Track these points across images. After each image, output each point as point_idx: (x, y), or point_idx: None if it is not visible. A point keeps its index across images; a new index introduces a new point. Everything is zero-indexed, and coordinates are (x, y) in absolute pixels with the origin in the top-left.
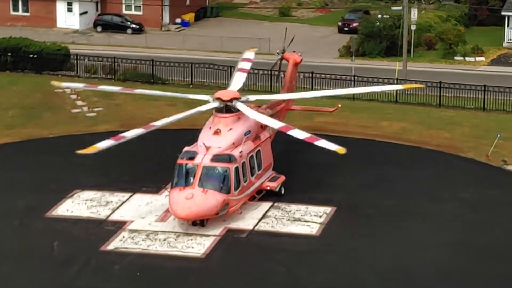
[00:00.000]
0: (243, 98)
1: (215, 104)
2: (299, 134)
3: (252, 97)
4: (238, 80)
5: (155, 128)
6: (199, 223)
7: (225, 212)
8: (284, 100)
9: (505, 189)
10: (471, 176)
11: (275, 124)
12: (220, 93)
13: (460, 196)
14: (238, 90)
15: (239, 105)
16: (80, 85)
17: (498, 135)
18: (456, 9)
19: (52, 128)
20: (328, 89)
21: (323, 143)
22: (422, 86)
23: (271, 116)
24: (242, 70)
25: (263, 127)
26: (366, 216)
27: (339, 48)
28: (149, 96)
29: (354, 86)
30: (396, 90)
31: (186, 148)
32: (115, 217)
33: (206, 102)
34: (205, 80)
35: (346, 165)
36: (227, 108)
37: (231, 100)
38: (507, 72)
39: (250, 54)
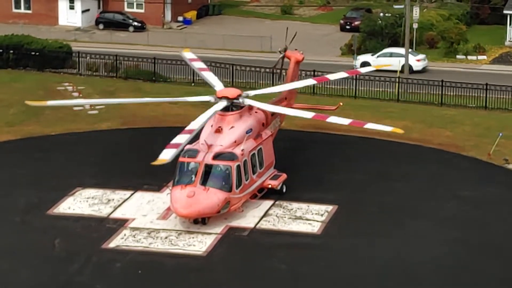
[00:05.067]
0: (244, 94)
1: (223, 103)
2: (337, 120)
3: (252, 93)
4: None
5: (195, 132)
6: (200, 221)
7: (227, 210)
8: (284, 97)
9: (507, 187)
10: (472, 174)
11: (289, 111)
12: (224, 92)
13: (462, 195)
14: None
15: (247, 101)
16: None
17: (500, 134)
18: (458, 8)
19: (53, 125)
20: (329, 87)
21: (372, 125)
22: (390, 65)
23: (273, 114)
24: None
25: (265, 125)
26: (368, 214)
27: (341, 46)
28: (150, 94)
29: (356, 85)
30: (398, 89)
31: (187, 146)
32: (117, 215)
33: (211, 103)
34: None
35: (347, 163)
36: (235, 105)
37: (237, 98)
38: (509, 70)
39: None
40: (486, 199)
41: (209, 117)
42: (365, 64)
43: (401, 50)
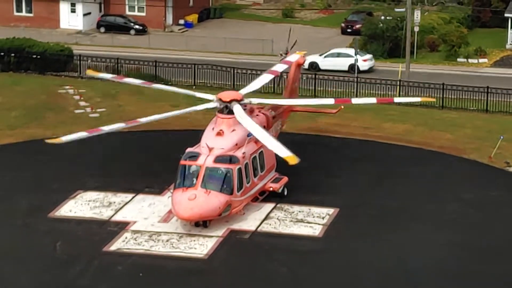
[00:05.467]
0: (246, 101)
1: (215, 104)
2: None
3: (255, 100)
4: (259, 81)
5: (138, 124)
6: (201, 224)
7: (228, 213)
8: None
9: (508, 190)
10: (473, 177)
11: (255, 130)
12: (222, 94)
13: (463, 197)
14: (251, 92)
15: (236, 108)
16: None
17: (501, 137)
18: (459, 11)
19: (55, 128)
20: (331, 90)
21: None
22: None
23: (274, 117)
24: (271, 72)
25: (266, 128)
26: (369, 217)
27: None
28: (152, 97)
29: (357, 88)
30: (399, 92)
31: (189, 149)
32: (118, 218)
33: (209, 101)
34: (207, 81)
35: (348, 166)
36: (229, 109)
37: (230, 102)
38: (510, 74)
39: (294, 57)
40: (488, 202)
41: (178, 114)
42: (313, 64)
43: (349, 51)
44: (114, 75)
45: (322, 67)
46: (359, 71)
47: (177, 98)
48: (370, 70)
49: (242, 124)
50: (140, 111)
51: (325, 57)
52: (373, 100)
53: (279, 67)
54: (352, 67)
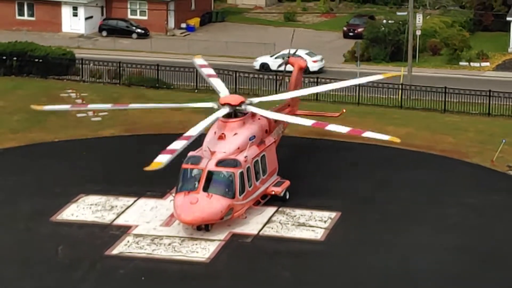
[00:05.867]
0: (247, 101)
1: (225, 110)
2: (336, 128)
3: (255, 100)
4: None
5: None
6: (203, 227)
7: (230, 217)
8: (287, 104)
9: (510, 194)
10: (476, 181)
11: (291, 119)
12: (227, 99)
13: (465, 201)
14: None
15: (250, 108)
16: (66, 107)
17: (503, 141)
18: (461, 15)
19: (57, 132)
20: (332, 93)
21: (370, 134)
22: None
23: (276, 121)
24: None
25: (268, 132)
26: (371, 221)
27: (344, 53)
28: (154, 101)
29: (359, 91)
30: (401, 96)
31: (191, 153)
32: (120, 221)
33: (214, 109)
34: (210, 85)
35: (351, 170)
36: (242, 112)
37: (240, 104)
38: None
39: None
40: (490, 206)
41: (209, 123)
42: (263, 65)
43: (299, 52)
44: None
45: (272, 67)
46: (309, 72)
47: (180, 103)
48: (320, 71)
49: (274, 117)
50: (142, 114)
51: (275, 58)
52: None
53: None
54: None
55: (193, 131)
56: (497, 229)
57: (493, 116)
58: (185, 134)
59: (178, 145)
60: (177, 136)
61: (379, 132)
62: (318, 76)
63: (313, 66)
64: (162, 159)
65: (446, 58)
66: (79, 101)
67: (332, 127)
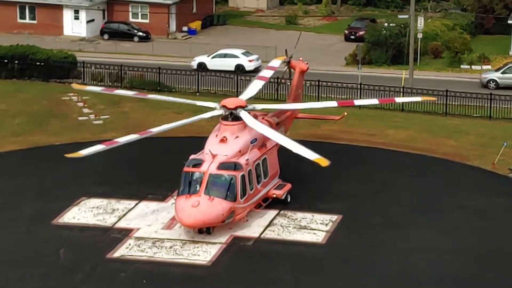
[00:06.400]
0: (249, 107)
1: (221, 111)
2: (287, 143)
3: (259, 106)
4: (253, 88)
5: (150, 135)
6: (205, 230)
7: (231, 220)
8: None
9: (511, 197)
10: (477, 184)
11: (275, 136)
12: (226, 101)
13: (466, 204)
14: (249, 99)
15: (242, 114)
16: (98, 89)
17: (504, 144)
18: (463, 18)
19: (58, 135)
20: (334, 97)
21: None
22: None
23: (277, 124)
24: (261, 78)
25: None
26: (372, 224)
27: (345, 56)
28: (156, 104)
29: (360, 95)
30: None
31: (192, 156)
32: (122, 224)
33: (213, 109)
34: (211, 88)
35: (352, 173)
36: (233, 116)
37: (235, 108)
38: None
39: (276, 62)
40: (491, 209)
41: (183, 123)
42: (201, 65)
43: (236, 51)
44: (103, 88)
45: (210, 67)
46: (245, 72)
47: (181, 105)
48: (257, 70)
49: (256, 130)
50: (144, 118)
51: (212, 57)
52: (375, 101)
53: (267, 73)
54: (238, 67)
55: (156, 128)
56: (498, 232)
57: (494, 119)
58: (147, 130)
59: (125, 138)
60: (178, 139)
61: (381, 135)
62: (319, 80)
63: (249, 66)
64: (88, 150)
65: (448, 61)
66: (81, 104)
67: (358, 102)
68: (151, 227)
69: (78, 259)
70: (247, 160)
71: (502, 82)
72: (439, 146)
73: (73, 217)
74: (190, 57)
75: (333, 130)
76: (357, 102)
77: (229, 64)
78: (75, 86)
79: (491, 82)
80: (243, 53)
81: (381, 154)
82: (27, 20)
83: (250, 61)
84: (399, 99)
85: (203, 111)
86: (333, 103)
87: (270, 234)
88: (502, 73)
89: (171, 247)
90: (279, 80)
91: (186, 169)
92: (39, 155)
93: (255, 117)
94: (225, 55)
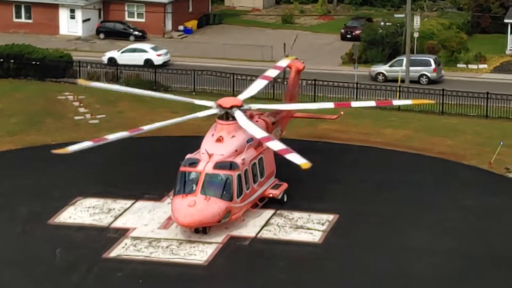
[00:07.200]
0: (245, 107)
1: (216, 110)
2: (275, 145)
3: (254, 106)
4: (254, 87)
5: (141, 132)
6: (201, 230)
7: (228, 220)
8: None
9: (508, 196)
10: (473, 183)
11: (259, 134)
12: (221, 100)
13: (463, 204)
14: (248, 98)
15: (237, 113)
16: (102, 85)
17: (501, 143)
18: (459, 17)
19: (54, 135)
20: (330, 96)
21: (293, 156)
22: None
23: (274, 123)
24: (265, 77)
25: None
26: (369, 223)
27: (341, 56)
28: (151, 103)
29: (356, 94)
30: (399, 98)
31: (188, 156)
32: (118, 224)
33: (209, 108)
34: (207, 87)
35: (348, 172)
36: (230, 115)
37: (231, 108)
38: (510, 79)
39: (284, 62)
40: (487, 209)
41: (174, 122)
42: (111, 60)
43: (145, 46)
44: (108, 84)
45: (119, 61)
46: (154, 66)
47: (177, 104)
48: (165, 65)
49: (247, 130)
50: (140, 117)
51: (122, 52)
52: (372, 103)
53: (272, 72)
54: (147, 62)
55: (147, 126)
56: (495, 231)
57: (491, 118)
58: (138, 127)
59: (115, 136)
60: (174, 138)
61: (377, 135)
62: (316, 79)
63: (158, 60)
64: (75, 147)
65: (444, 60)
66: (77, 103)
67: (356, 104)
68: (148, 227)
69: (74, 258)
70: (243, 159)
71: (390, 75)
72: (436, 145)
73: (69, 217)
74: (185, 56)
75: (329, 129)
76: (354, 104)
77: (138, 59)
78: (80, 81)
79: (379, 75)
80: (152, 48)
81: (377, 153)
82: (22, 19)
83: (158, 55)
84: (396, 102)
85: (200, 110)
86: (330, 105)
87: (266, 234)
88: (390, 66)
89: (167, 247)
90: (274, 79)
91: (182, 168)
92: (35, 155)
93: (252, 116)
94: (134, 50)
